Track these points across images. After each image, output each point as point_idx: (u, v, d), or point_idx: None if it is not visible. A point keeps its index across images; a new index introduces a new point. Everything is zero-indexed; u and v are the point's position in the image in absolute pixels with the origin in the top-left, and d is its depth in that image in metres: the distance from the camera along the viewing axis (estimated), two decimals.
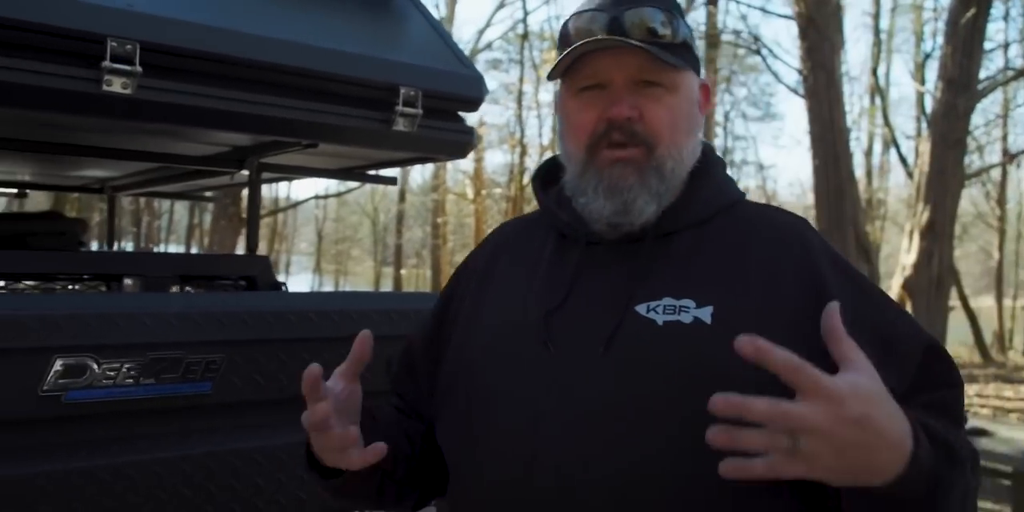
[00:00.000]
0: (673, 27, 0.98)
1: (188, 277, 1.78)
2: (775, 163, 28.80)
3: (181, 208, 20.96)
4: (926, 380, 0.93)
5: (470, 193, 21.29)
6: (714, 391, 0.78)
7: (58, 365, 1.16)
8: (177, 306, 1.26)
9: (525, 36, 17.01)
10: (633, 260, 1.00)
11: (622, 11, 0.98)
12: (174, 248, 21.38)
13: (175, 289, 1.72)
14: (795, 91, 11.27)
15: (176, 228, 23.75)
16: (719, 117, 20.45)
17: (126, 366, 1.21)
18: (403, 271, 31.38)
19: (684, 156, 1.01)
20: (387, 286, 29.89)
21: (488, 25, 29.86)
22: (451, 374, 1.07)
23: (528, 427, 0.95)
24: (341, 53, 1.55)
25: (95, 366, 1.18)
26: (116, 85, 1.34)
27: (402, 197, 28.48)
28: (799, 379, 0.72)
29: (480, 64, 23.50)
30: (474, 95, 1.74)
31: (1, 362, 1.12)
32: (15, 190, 2.98)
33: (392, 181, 2.11)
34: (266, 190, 18.89)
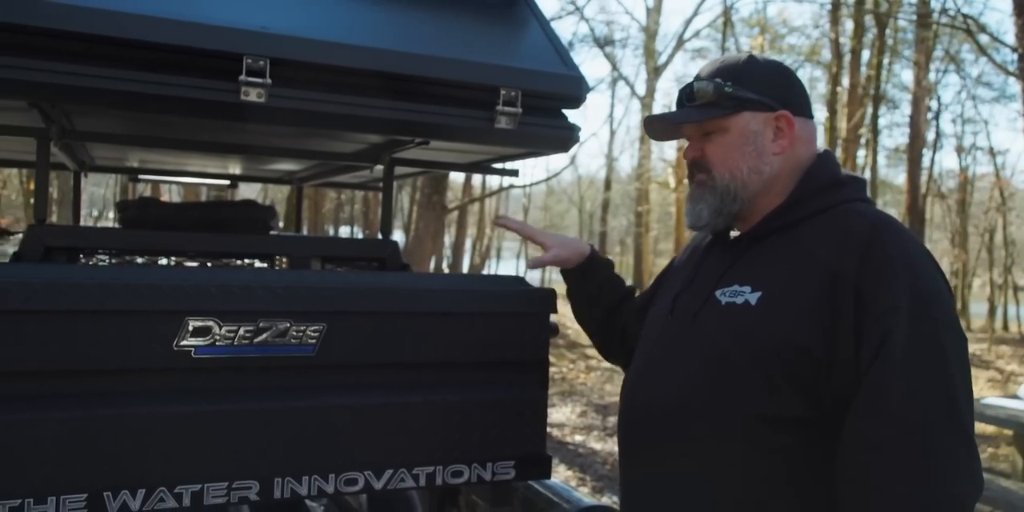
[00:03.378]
0: (715, 89, 1.36)
1: (329, 257, 2.01)
2: (1009, 148, 25.84)
3: (404, 197, 22.30)
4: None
5: (672, 182, 20.98)
6: (746, 352, 1.25)
7: (190, 326, 1.39)
8: (285, 281, 1.46)
9: (726, 24, 16.45)
10: (730, 256, 1.39)
11: (688, 87, 1.40)
12: (397, 234, 22.81)
13: (316, 267, 1.96)
14: (1012, 73, 10.07)
15: (401, 215, 25.27)
16: (933, 103, 18.63)
17: (242, 329, 1.42)
18: (609, 258, 31.44)
19: (741, 174, 1.36)
20: None
21: (696, 14, 29.08)
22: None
23: (644, 367, 1.43)
24: (447, 59, 1.68)
25: (218, 328, 1.40)
26: (252, 95, 1.55)
27: (607, 185, 28.52)
28: None
29: (686, 52, 23.00)
30: (573, 93, 1.82)
31: (146, 321, 1.36)
32: (228, 181, 3.43)
33: (514, 173, 2.23)
34: (476, 179, 19.63)
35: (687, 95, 1.40)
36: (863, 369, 1.16)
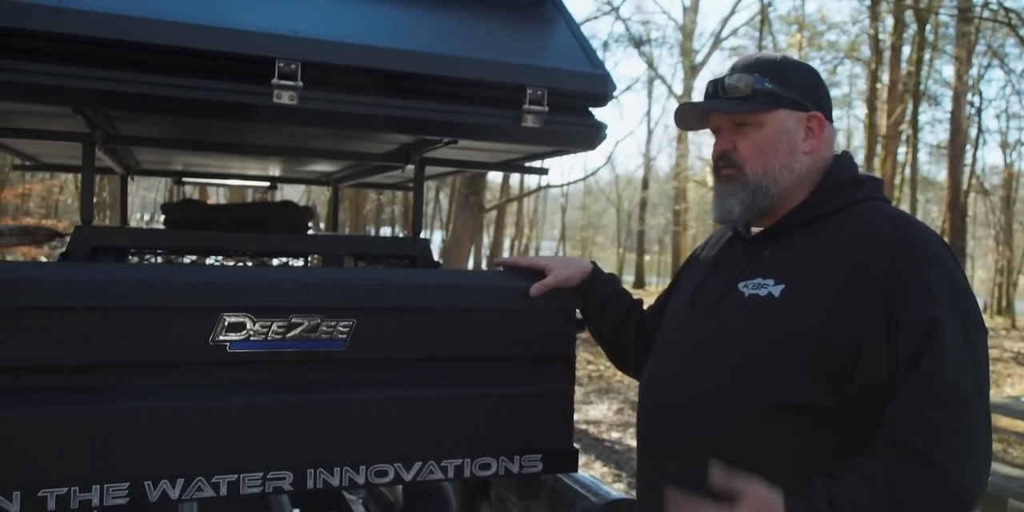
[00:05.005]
0: (755, 84, 1.37)
1: (361, 255, 2.03)
2: None
3: (444, 197, 22.43)
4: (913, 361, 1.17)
5: (710, 181, 20.77)
6: (769, 344, 1.27)
7: (225, 321, 1.42)
8: (316, 278, 1.48)
9: (764, 22, 16.24)
10: (752, 252, 1.41)
11: (721, 80, 1.41)
12: (438, 234, 22.89)
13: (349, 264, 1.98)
14: None
15: (440, 215, 25.40)
16: (974, 98, 18.16)
17: (275, 324, 1.44)
18: (647, 257, 31.28)
19: (773, 171, 1.38)
20: (629, 272, 30.00)
21: (733, 12, 28.76)
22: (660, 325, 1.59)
23: (663, 360, 1.46)
24: (472, 60, 1.69)
25: (251, 324, 1.43)
26: (284, 98, 1.57)
27: (645, 184, 28.38)
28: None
29: (723, 51, 22.76)
30: (600, 92, 1.81)
31: (183, 317, 1.39)
32: (267, 183, 3.48)
33: (544, 171, 2.23)
34: (514, 179, 19.68)
35: (720, 87, 1.40)
36: (907, 356, 1.17)
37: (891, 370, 1.18)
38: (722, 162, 1.42)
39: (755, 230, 1.45)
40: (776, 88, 1.37)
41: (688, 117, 1.50)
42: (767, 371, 1.27)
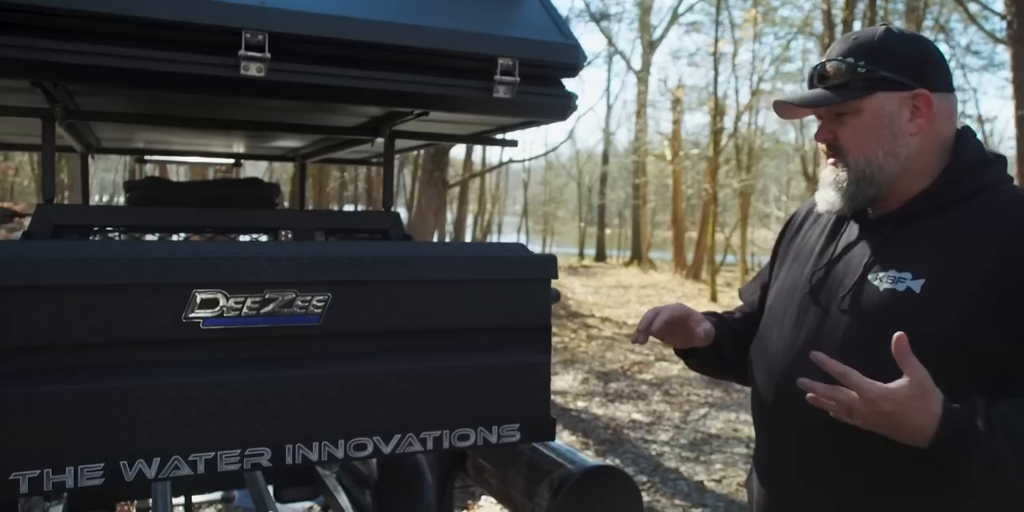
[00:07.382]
0: (847, 70, 1.30)
1: (332, 230, 1.99)
2: (997, 116, 25.61)
3: (407, 173, 22.24)
4: None
5: (668, 154, 20.85)
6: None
7: (197, 298, 1.37)
8: (289, 253, 1.44)
9: None
10: (878, 237, 1.32)
11: (816, 68, 1.36)
12: (401, 211, 22.70)
13: (320, 239, 1.94)
14: (1001, 40, 9.95)
15: (404, 192, 25.19)
16: None
17: (249, 300, 1.40)
18: (608, 231, 31.45)
19: (877, 159, 1.31)
20: (591, 245, 30.15)
21: None
22: (765, 308, 1.54)
23: (784, 350, 1.38)
24: (442, 30, 1.65)
25: (224, 300, 1.39)
26: (252, 69, 1.52)
27: (605, 159, 28.44)
28: (848, 383, 1.14)
29: (680, 26, 22.71)
30: (570, 62, 1.78)
31: (154, 294, 1.34)
32: (232, 160, 3.39)
33: (513, 143, 2.20)
34: (476, 155, 19.56)
35: (819, 75, 1.34)
36: None
37: None
38: (826, 150, 1.37)
39: (872, 212, 1.38)
40: (871, 71, 1.28)
41: (786, 107, 1.42)
42: None
